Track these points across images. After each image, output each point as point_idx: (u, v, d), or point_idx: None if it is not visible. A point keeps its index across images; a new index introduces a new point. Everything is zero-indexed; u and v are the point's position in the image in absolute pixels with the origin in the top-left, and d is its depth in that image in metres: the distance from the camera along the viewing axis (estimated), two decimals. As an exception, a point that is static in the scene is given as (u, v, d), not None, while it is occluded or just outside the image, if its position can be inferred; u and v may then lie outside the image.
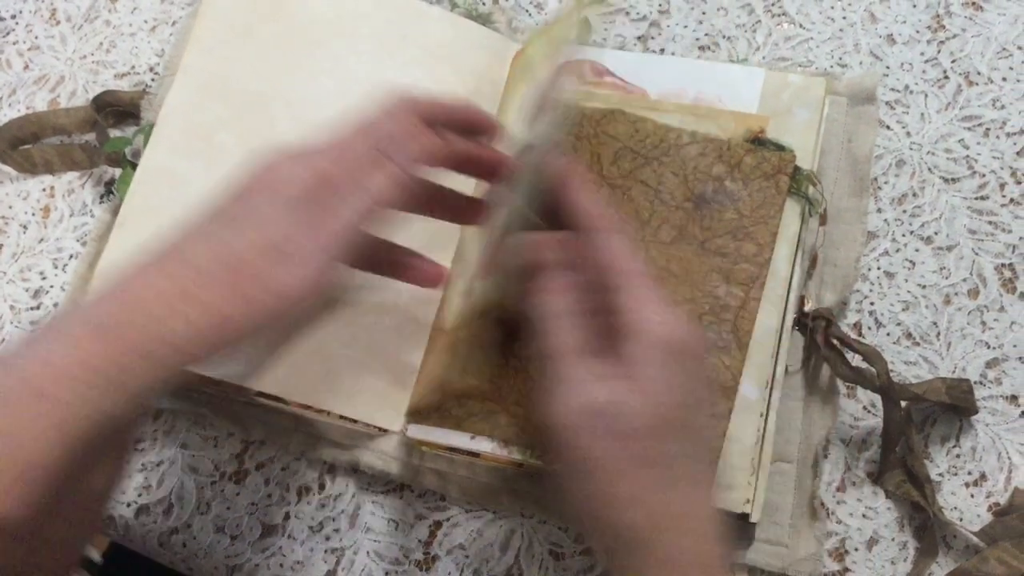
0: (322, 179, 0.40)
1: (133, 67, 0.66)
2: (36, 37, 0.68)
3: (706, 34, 0.62)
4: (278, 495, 0.56)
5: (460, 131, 0.44)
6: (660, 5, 0.64)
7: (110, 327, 0.37)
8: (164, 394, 0.45)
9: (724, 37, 0.62)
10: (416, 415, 0.53)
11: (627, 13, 0.64)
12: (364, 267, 0.48)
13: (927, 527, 0.52)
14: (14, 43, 0.68)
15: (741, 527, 0.51)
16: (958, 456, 0.53)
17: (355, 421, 0.54)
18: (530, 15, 0.65)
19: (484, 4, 0.65)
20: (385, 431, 0.54)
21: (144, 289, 0.38)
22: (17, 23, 0.69)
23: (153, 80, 0.65)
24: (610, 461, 0.39)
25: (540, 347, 0.42)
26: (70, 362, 0.36)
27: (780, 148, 0.54)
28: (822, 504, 0.52)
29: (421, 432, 0.53)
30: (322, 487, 0.56)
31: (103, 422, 0.37)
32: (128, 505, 0.56)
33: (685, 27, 0.63)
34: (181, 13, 0.67)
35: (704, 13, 0.63)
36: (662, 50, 0.63)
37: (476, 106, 0.46)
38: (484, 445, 0.52)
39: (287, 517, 0.55)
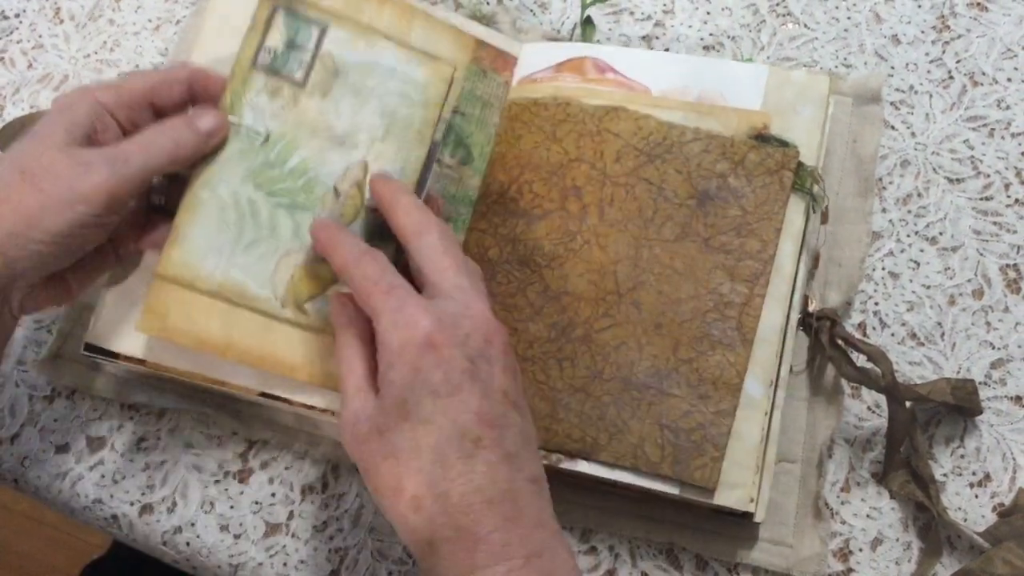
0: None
1: (137, 66, 0.66)
2: (40, 36, 0.68)
3: (711, 34, 0.62)
4: (282, 494, 0.56)
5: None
6: (664, 5, 0.64)
7: None
8: None
9: (729, 37, 0.62)
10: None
11: (631, 13, 0.64)
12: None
13: (931, 527, 0.51)
14: (18, 42, 0.68)
15: (745, 526, 0.51)
16: (962, 456, 0.53)
17: (359, 420, 0.54)
18: (534, 15, 0.65)
19: (488, 4, 0.65)
20: (389, 430, 0.54)
21: None
22: (21, 22, 0.69)
23: (157, 79, 0.65)
24: (370, 460, 0.43)
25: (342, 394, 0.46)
26: None
27: (784, 144, 0.54)
28: (826, 504, 0.52)
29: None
30: (326, 486, 0.56)
31: None
32: (132, 504, 0.56)
33: (690, 27, 0.63)
34: (184, 12, 0.67)
35: (708, 13, 0.63)
36: (666, 49, 0.63)
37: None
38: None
39: (291, 516, 0.55)
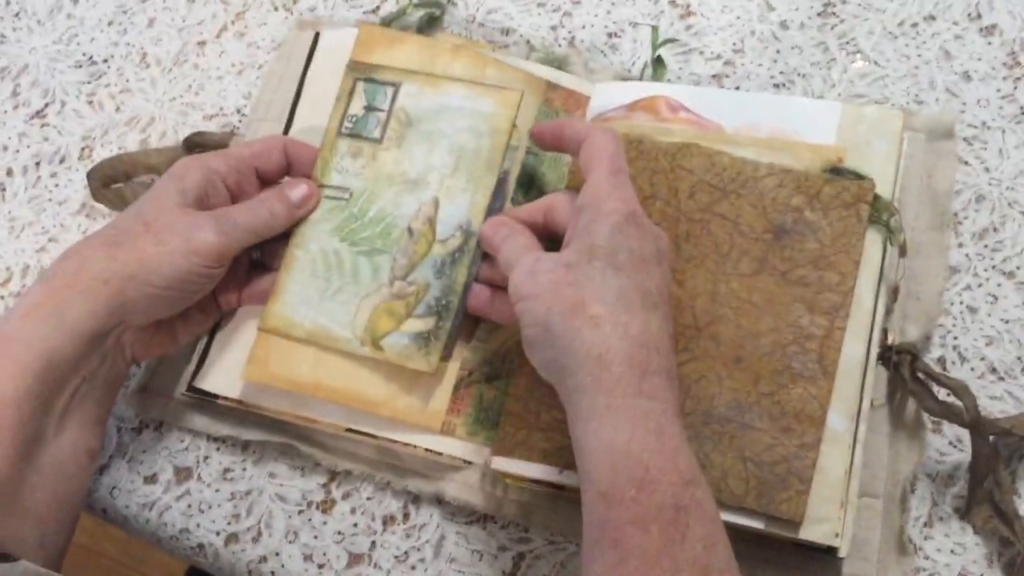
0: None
1: (221, 109, 0.68)
2: (127, 80, 0.71)
3: (781, 72, 0.63)
4: (364, 524, 0.56)
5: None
6: (734, 44, 0.65)
7: (51, 277, 0.51)
8: (100, 328, 0.50)
9: (799, 75, 0.63)
10: (500, 448, 0.54)
11: (701, 52, 0.65)
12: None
13: (1016, 563, 0.51)
14: (106, 86, 0.71)
15: (828, 562, 0.51)
16: (1046, 492, 0.53)
17: (440, 454, 0.55)
18: (605, 55, 0.66)
19: (560, 47, 0.66)
20: (470, 463, 0.55)
21: (80, 247, 0.52)
22: (109, 67, 0.71)
23: (240, 122, 0.67)
24: (549, 286, 0.46)
25: (503, 264, 0.51)
26: (23, 308, 0.50)
27: (859, 177, 0.55)
28: (910, 539, 0.52)
29: (506, 464, 0.54)
30: (407, 517, 0.57)
31: (51, 357, 0.49)
32: (218, 533, 0.57)
33: (760, 65, 0.64)
34: (267, 57, 0.69)
35: (779, 51, 0.64)
36: (737, 88, 0.64)
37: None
38: (572, 478, 0.52)
39: (373, 546, 0.56)
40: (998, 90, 0.61)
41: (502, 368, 0.56)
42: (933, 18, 0.63)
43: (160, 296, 0.51)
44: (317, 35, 0.64)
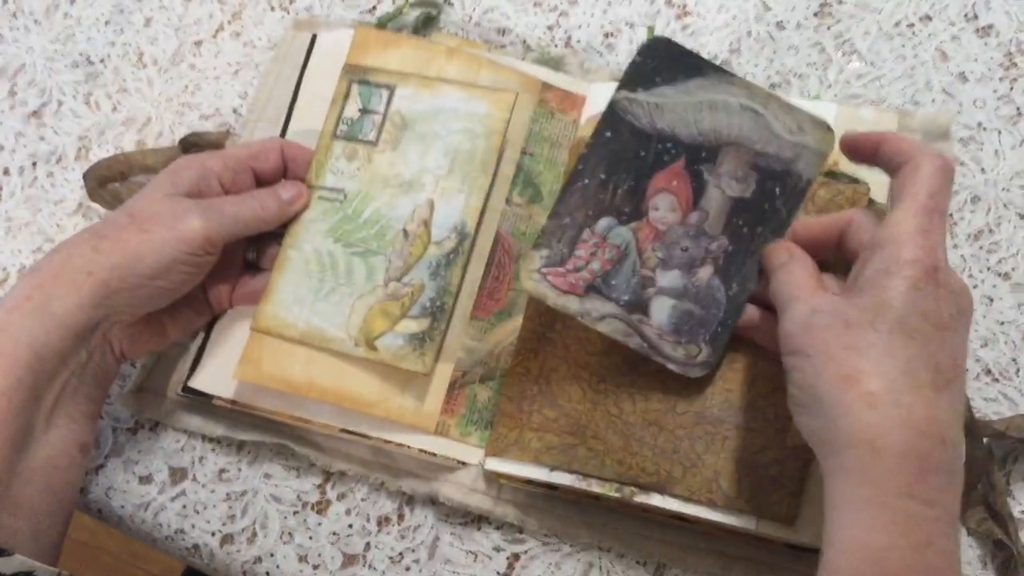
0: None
1: (217, 109, 0.68)
2: (124, 80, 0.71)
3: (777, 72, 0.63)
4: (359, 525, 0.57)
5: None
6: (731, 44, 0.65)
7: (37, 270, 0.51)
8: (87, 320, 0.50)
9: (795, 75, 0.63)
10: (494, 448, 0.54)
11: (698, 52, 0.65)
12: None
13: (1011, 565, 0.51)
14: (103, 86, 0.71)
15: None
16: (1040, 494, 0.53)
17: (434, 454, 0.55)
18: (601, 55, 0.66)
19: (556, 48, 0.66)
20: (464, 464, 0.55)
21: (67, 241, 0.52)
22: (105, 67, 0.71)
23: (237, 122, 0.67)
24: (821, 346, 0.42)
25: (773, 294, 0.46)
26: (11, 302, 0.50)
27: (854, 181, 0.55)
28: (903, 541, 0.52)
29: (499, 465, 0.54)
30: (401, 518, 0.57)
31: (39, 350, 0.49)
32: (213, 534, 0.57)
33: (756, 65, 0.64)
34: (263, 57, 0.69)
35: (775, 52, 0.64)
36: (733, 88, 0.63)
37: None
38: (562, 478, 0.52)
39: (367, 547, 0.56)
40: (994, 91, 0.60)
41: (496, 368, 0.56)
42: (929, 18, 0.63)
43: (145, 287, 0.51)
44: (314, 37, 0.64)
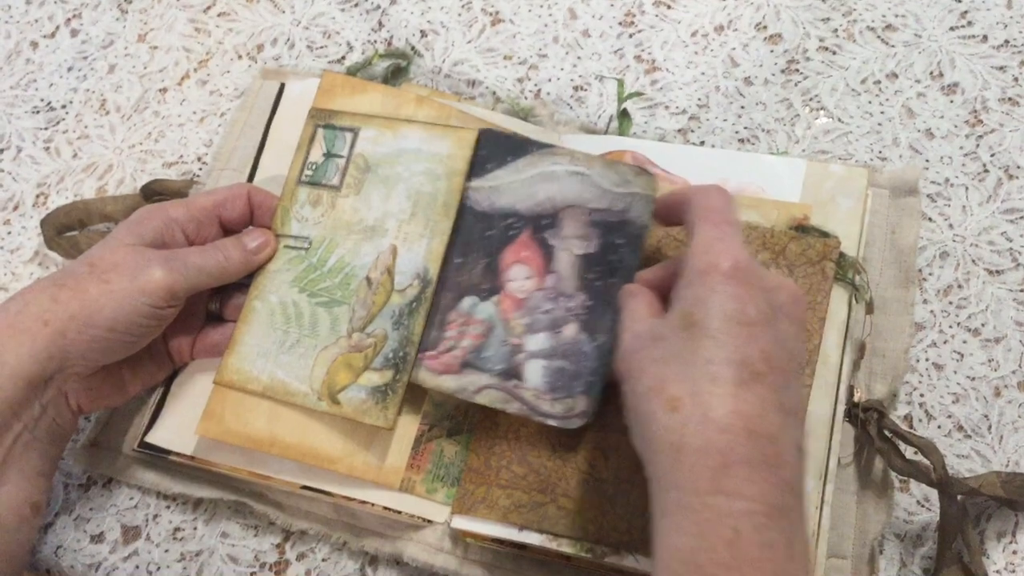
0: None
1: (181, 156, 0.67)
2: (86, 126, 0.69)
3: (745, 127, 0.64)
4: (319, 587, 0.54)
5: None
6: (699, 99, 0.65)
7: None
8: (40, 371, 0.49)
9: (763, 130, 0.63)
10: (461, 506, 0.52)
11: (666, 107, 0.65)
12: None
13: (987, 627, 0.50)
14: (64, 132, 0.70)
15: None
16: (1015, 552, 0.52)
17: (399, 512, 0.53)
18: (571, 108, 0.66)
19: (526, 99, 0.66)
20: (430, 522, 0.54)
21: (25, 290, 0.50)
22: (67, 112, 0.70)
23: (201, 170, 0.66)
24: (636, 365, 0.43)
25: (617, 333, 0.47)
26: None
27: (824, 235, 0.54)
28: (879, 602, 0.51)
29: (466, 523, 0.52)
30: (364, 579, 0.55)
31: None
32: (166, 596, 0.55)
33: (725, 120, 0.64)
34: (229, 105, 0.68)
35: (743, 107, 0.64)
36: (702, 142, 0.64)
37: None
38: (532, 538, 0.51)
39: (328, 610, 0.54)
40: (961, 147, 0.61)
41: (464, 422, 0.55)
42: (896, 76, 0.64)
43: (103, 339, 0.49)
44: (283, 86, 0.64)
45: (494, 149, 0.55)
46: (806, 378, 0.51)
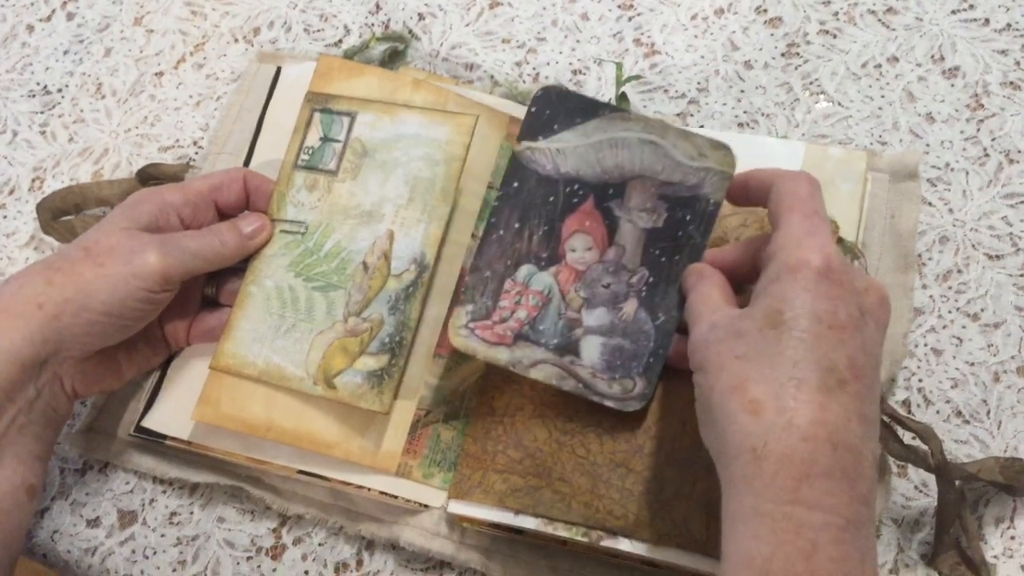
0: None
1: (177, 141, 0.67)
2: (81, 110, 0.69)
3: (745, 112, 0.63)
4: (315, 571, 0.54)
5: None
6: (699, 83, 0.64)
7: None
8: (34, 355, 0.48)
9: (763, 115, 0.63)
10: (458, 491, 0.52)
11: (666, 91, 0.65)
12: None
13: (984, 612, 0.50)
14: (59, 116, 0.69)
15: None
16: (1012, 538, 0.52)
17: (395, 497, 0.53)
18: (569, 92, 0.65)
19: (524, 83, 0.66)
20: (426, 507, 0.53)
21: (20, 273, 0.50)
22: (63, 96, 0.70)
23: (197, 154, 0.66)
24: (715, 359, 0.41)
25: (686, 316, 0.46)
26: None
27: (822, 221, 0.54)
28: (875, 587, 0.51)
29: (463, 508, 0.52)
30: (360, 564, 0.55)
31: None
32: (162, 580, 0.55)
33: (724, 104, 0.63)
34: (226, 89, 0.68)
35: (743, 91, 0.64)
36: (701, 127, 0.63)
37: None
38: (528, 522, 0.51)
39: (324, 595, 0.54)
40: (961, 132, 0.61)
41: (460, 408, 0.55)
42: (896, 60, 0.63)
43: (98, 322, 0.49)
44: (279, 69, 0.63)
45: (561, 108, 0.51)
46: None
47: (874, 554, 0.38)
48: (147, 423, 0.56)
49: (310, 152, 0.57)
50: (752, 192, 0.47)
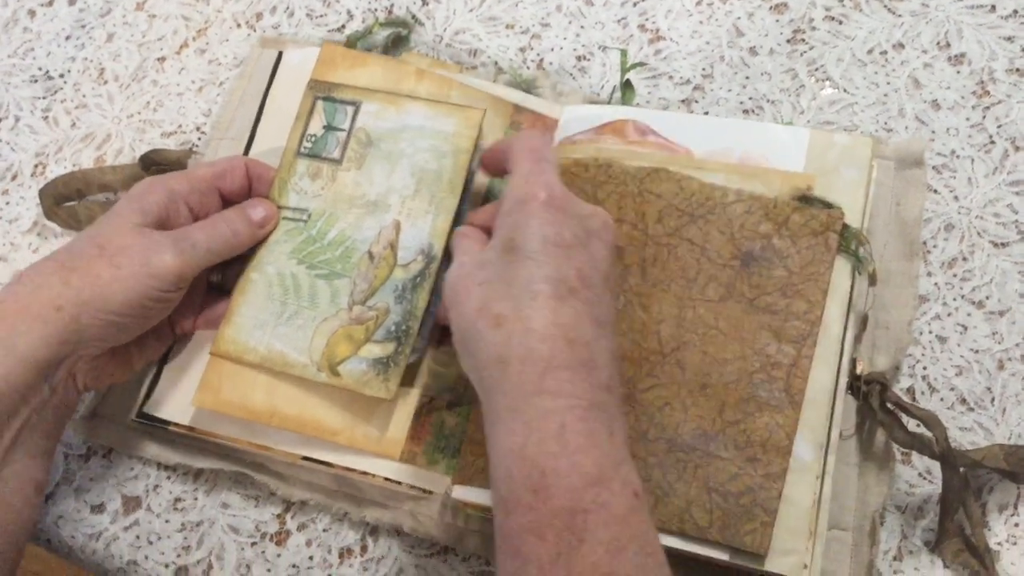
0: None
1: (180, 126, 0.67)
2: (84, 96, 0.69)
3: (750, 98, 0.63)
4: (320, 557, 0.54)
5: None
6: (704, 69, 0.64)
7: (3, 301, 0.48)
8: (52, 356, 0.48)
9: (768, 101, 0.63)
10: (461, 477, 0.52)
11: (670, 77, 0.64)
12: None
13: (987, 599, 0.50)
14: (62, 101, 0.69)
15: (796, 596, 0.50)
16: (1016, 525, 0.52)
17: (400, 483, 0.53)
18: (574, 78, 0.65)
19: (528, 70, 0.65)
20: (430, 493, 0.54)
21: (33, 272, 0.50)
22: (65, 82, 0.70)
23: (200, 139, 0.66)
24: (463, 292, 0.45)
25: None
26: None
27: (828, 206, 0.54)
28: (879, 573, 0.51)
29: (467, 493, 0.52)
30: (364, 549, 0.55)
31: (1, 388, 0.46)
32: (167, 566, 0.55)
33: (729, 91, 0.63)
34: (228, 74, 0.68)
35: (748, 78, 0.63)
36: (706, 113, 0.63)
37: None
38: (532, 508, 0.50)
39: (328, 580, 0.54)
40: (967, 119, 0.60)
41: (464, 394, 0.55)
42: (902, 46, 0.63)
43: (115, 323, 0.49)
44: (280, 54, 0.63)
45: None
46: (807, 348, 0.51)
47: (622, 428, 0.43)
48: (150, 409, 0.56)
49: (313, 140, 0.57)
50: (498, 157, 0.51)
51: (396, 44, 0.66)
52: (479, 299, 0.44)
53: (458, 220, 0.56)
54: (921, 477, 0.53)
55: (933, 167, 0.59)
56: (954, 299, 0.56)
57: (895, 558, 0.52)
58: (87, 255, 0.50)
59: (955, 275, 0.57)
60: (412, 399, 0.55)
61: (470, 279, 0.45)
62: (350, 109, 0.57)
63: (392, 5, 0.68)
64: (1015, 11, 0.62)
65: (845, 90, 0.62)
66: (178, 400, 0.55)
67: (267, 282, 0.55)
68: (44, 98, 0.69)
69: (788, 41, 0.64)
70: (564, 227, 0.45)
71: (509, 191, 0.47)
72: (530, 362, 0.41)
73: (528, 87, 0.63)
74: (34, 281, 0.49)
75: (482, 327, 0.43)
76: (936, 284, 0.57)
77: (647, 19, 0.66)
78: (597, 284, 0.45)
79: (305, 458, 0.54)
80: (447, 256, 0.53)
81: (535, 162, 0.47)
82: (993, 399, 0.54)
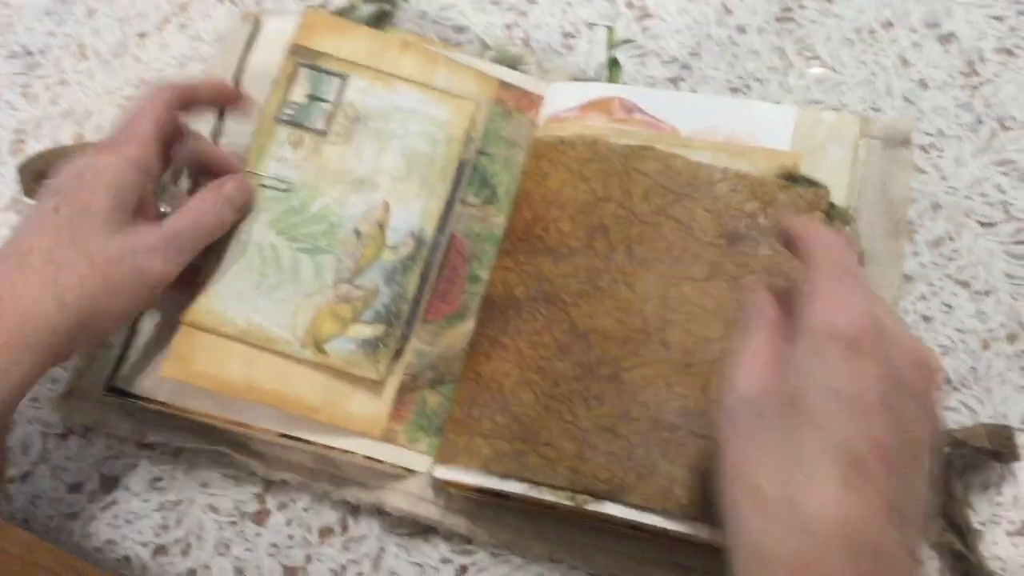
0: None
1: (161, 102, 0.66)
2: (64, 72, 0.68)
3: (738, 77, 0.62)
4: (300, 536, 0.54)
5: (216, 104, 0.57)
6: (691, 48, 0.63)
7: None
8: (43, 372, 0.47)
9: (756, 80, 0.62)
10: (444, 456, 0.52)
11: (657, 55, 0.64)
12: None
13: (970, 578, 0.50)
14: (41, 77, 0.68)
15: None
16: (999, 504, 0.52)
17: (381, 461, 0.53)
18: (560, 55, 0.64)
19: (515, 47, 0.65)
20: (412, 472, 0.53)
21: (20, 287, 0.46)
22: (45, 58, 0.69)
23: (181, 115, 0.65)
24: (732, 436, 0.38)
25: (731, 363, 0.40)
26: None
27: (814, 184, 0.54)
28: (862, 553, 0.51)
29: (448, 472, 0.52)
30: (345, 528, 0.54)
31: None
32: (145, 545, 0.54)
33: (716, 69, 0.63)
34: (210, 51, 0.67)
35: (735, 56, 0.63)
36: (693, 91, 0.62)
37: (218, 80, 0.57)
38: (513, 486, 0.50)
39: (308, 559, 0.54)
40: (955, 98, 0.60)
41: (447, 373, 0.54)
42: (891, 25, 0.62)
43: (107, 330, 0.49)
44: (258, 21, 0.62)
45: None
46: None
47: None
48: (120, 384, 0.54)
49: (295, 108, 0.56)
50: (788, 244, 0.43)
51: (380, 20, 0.66)
52: (744, 462, 0.36)
53: (449, 208, 0.55)
54: (905, 457, 0.53)
55: (920, 146, 0.59)
56: (940, 279, 0.56)
57: (879, 538, 0.52)
58: (76, 267, 0.47)
59: (941, 255, 0.56)
60: (395, 377, 0.54)
61: (741, 427, 0.37)
62: (336, 81, 0.56)
63: (377, -19, 0.68)
64: (1004, -10, 0.62)
65: (833, 69, 0.62)
66: (151, 375, 0.54)
67: (243, 251, 0.54)
68: (24, 74, 0.68)
69: (776, 19, 0.64)
70: (866, 380, 0.35)
71: (808, 310, 0.37)
72: (796, 570, 0.34)
73: (514, 64, 0.63)
74: (23, 302, 0.46)
75: (740, 500, 0.36)
76: (922, 264, 0.56)
77: (634, -4, 0.66)
78: (904, 460, 0.35)
79: (284, 435, 0.53)
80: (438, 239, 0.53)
81: (839, 279, 0.38)
82: (978, 379, 0.54)
